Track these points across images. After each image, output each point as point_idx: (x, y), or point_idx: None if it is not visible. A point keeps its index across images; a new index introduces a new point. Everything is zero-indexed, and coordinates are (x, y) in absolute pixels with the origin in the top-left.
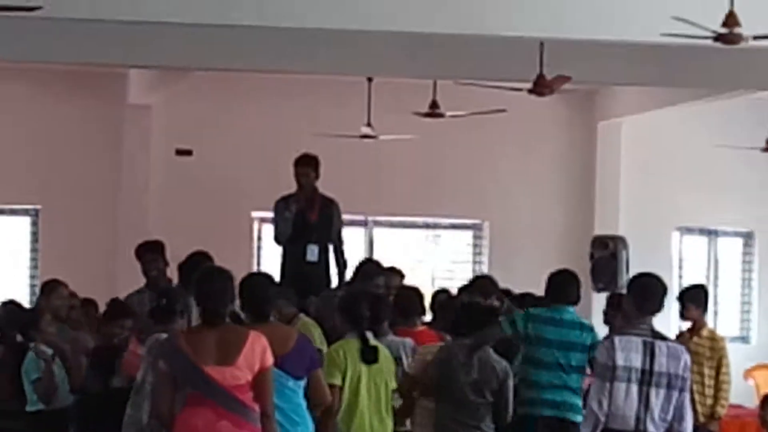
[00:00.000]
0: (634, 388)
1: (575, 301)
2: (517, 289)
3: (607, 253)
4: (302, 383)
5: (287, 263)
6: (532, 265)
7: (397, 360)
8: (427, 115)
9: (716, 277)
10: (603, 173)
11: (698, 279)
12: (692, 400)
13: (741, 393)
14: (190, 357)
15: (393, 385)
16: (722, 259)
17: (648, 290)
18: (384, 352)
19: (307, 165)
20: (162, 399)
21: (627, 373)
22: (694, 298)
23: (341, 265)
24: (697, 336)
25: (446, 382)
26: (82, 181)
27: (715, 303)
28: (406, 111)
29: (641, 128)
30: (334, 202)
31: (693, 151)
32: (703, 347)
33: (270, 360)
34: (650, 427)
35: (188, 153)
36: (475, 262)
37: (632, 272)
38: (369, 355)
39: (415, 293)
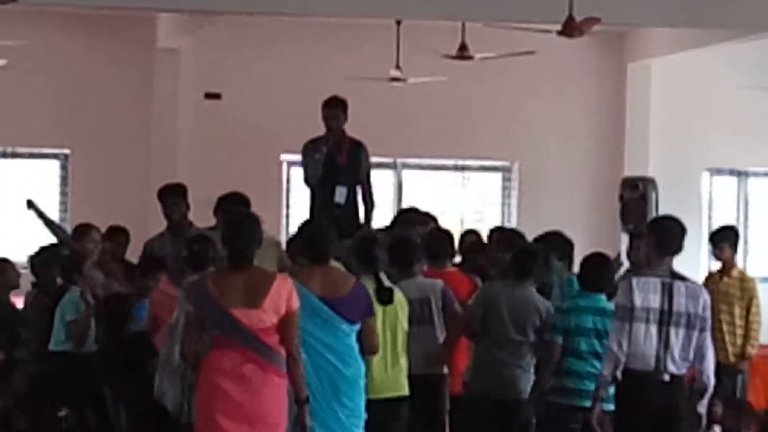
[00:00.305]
0: (653, 328)
1: (611, 291)
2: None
3: (636, 194)
4: (356, 327)
5: (316, 205)
6: (561, 207)
7: (426, 301)
8: (456, 57)
9: (746, 218)
10: (632, 115)
11: (728, 220)
12: (722, 340)
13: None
14: (217, 299)
15: (406, 326)
16: (752, 199)
17: (667, 232)
18: (398, 294)
19: (335, 107)
20: (190, 340)
21: (645, 313)
22: (727, 238)
23: (369, 207)
24: (727, 276)
25: (489, 320)
26: (111, 126)
27: (746, 243)
28: (435, 53)
29: (671, 70)
30: (362, 145)
31: (723, 93)
32: (734, 287)
33: (296, 304)
34: (671, 366)
35: (217, 96)
36: (504, 204)
37: (662, 214)
38: (384, 296)
39: (445, 235)
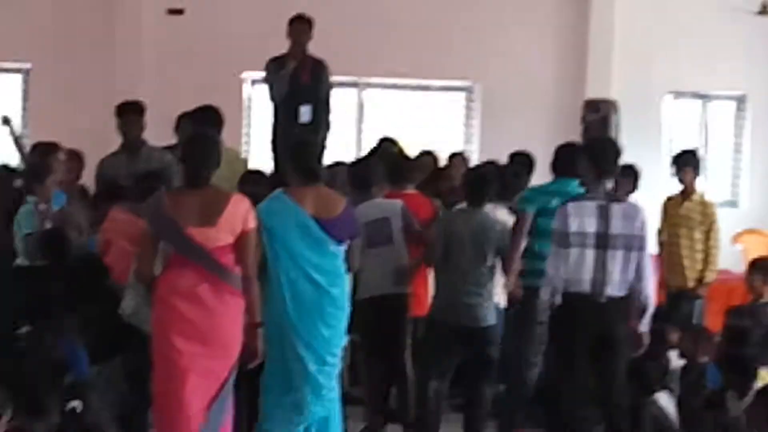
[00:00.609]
0: (590, 252)
1: (579, 175)
2: (509, 149)
3: (598, 116)
4: (343, 248)
5: (278, 124)
6: (524, 128)
7: (385, 221)
8: None
9: (707, 142)
10: (595, 36)
11: (690, 143)
12: (681, 265)
13: (729, 258)
14: (172, 218)
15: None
16: (713, 123)
17: (603, 154)
18: None
19: (303, 23)
20: (144, 258)
21: (581, 238)
22: (690, 162)
23: (324, 127)
24: (688, 200)
25: (449, 249)
26: (74, 40)
27: (706, 168)
28: None
29: None
30: (324, 64)
31: (686, 15)
32: (695, 212)
33: (253, 223)
34: (608, 289)
35: (180, 12)
36: (466, 126)
37: (623, 137)
38: None
39: (406, 158)
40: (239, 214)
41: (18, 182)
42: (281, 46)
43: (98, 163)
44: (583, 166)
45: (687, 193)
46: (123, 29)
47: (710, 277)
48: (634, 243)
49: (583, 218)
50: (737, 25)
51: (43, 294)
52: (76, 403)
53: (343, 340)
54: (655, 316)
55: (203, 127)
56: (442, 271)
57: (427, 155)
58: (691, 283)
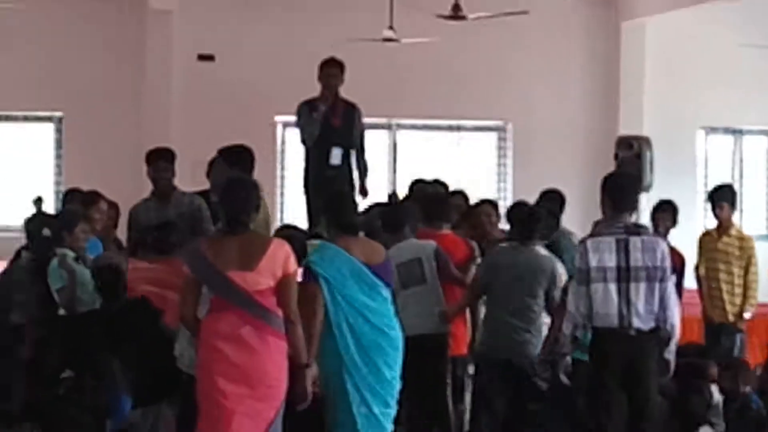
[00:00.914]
0: (612, 286)
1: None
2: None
3: (631, 153)
4: (390, 292)
5: (310, 167)
6: (556, 167)
7: (417, 261)
8: (449, 17)
9: (741, 176)
10: (627, 73)
11: (724, 178)
12: (721, 299)
13: (767, 291)
14: (212, 262)
15: None
16: (747, 158)
17: (622, 188)
18: None
19: (334, 66)
20: (186, 303)
21: (602, 273)
22: (725, 197)
23: (362, 169)
24: (726, 235)
25: (495, 284)
26: (104, 88)
27: (741, 202)
28: (429, 13)
29: (665, 28)
30: (356, 107)
31: (717, 50)
32: (733, 246)
33: (293, 267)
34: (635, 321)
35: (211, 58)
36: (499, 164)
37: (657, 173)
38: None
39: (442, 197)
40: (280, 257)
41: (46, 231)
42: (313, 89)
43: (130, 210)
44: (604, 201)
45: (724, 227)
46: (153, 76)
47: (750, 310)
48: (656, 274)
49: (602, 254)
50: (767, 60)
51: (85, 341)
52: None
53: (399, 383)
54: (697, 351)
55: (235, 165)
56: (490, 308)
57: (458, 195)
58: (731, 318)
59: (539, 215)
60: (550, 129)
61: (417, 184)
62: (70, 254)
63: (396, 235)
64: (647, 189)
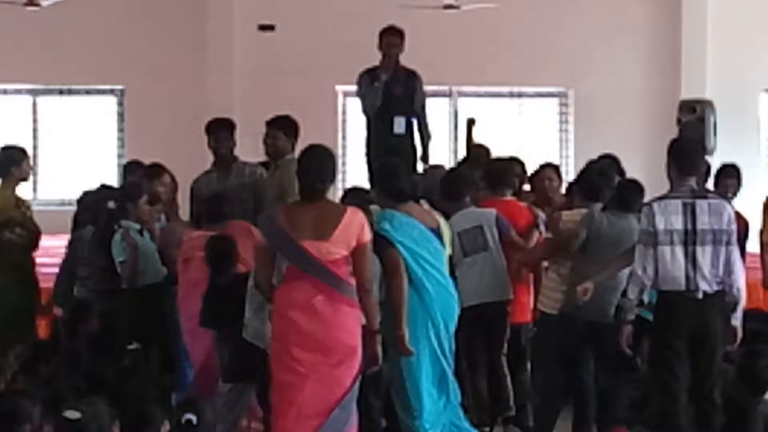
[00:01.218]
0: (679, 249)
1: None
2: None
3: (694, 117)
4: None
5: (373, 136)
6: (618, 132)
7: (479, 229)
8: None
9: None
10: (689, 36)
11: None
12: None
13: None
14: (287, 231)
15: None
16: None
17: (686, 152)
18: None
19: (395, 35)
20: (261, 271)
21: (669, 236)
22: None
23: (425, 137)
24: None
25: (592, 244)
26: (166, 60)
27: None
28: None
29: None
30: (417, 75)
31: None
32: None
33: (367, 236)
34: (702, 284)
35: (271, 28)
36: (561, 131)
37: (719, 136)
38: None
39: (506, 164)
40: (354, 227)
41: (111, 204)
42: (373, 58)
43: (192, 183)
44: (670, 164)
45: None
46: (214, 47)
47: None
48: (722, 238)
49: (669, 216)
50: None
51: (149, 313)
52: (190, 416)
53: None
54: (763, 316)
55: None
56: (581, 265)
57: (516, 162)
58: None
59: (639, 186)
60: (612, 94)
61: (476, 149)
62: (135, 226)
63: (456, 203)
64: (710, 153)
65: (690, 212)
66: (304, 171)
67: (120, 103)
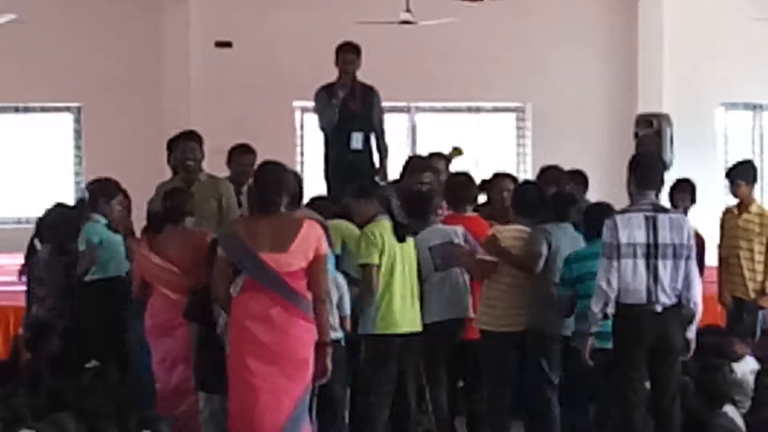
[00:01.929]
0: (641, 262)
1: None
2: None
3: (651, 131)
4: None
5: (331, 152)
6: (576, 146)
7: (450, 244)
8: None
9: (762, 152)
10: (645, 51)
11: (743, 154)
12: (742, 276)
13: None
14: (246, 243)
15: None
16: (767, 132)
17: (647, 167)
18: (411, 240)
19: (351, 51)
20: (219, 283)
21: (632, 249)
22: (744, 174)
23: (383, 152)
24: (746, 212)
25: (551, 260)
26: (122, 77)
27: (761, 178)
28: None
29: (683, 4)
30: (374, 90)
31: (735, 26)
32: (753, 223)
33: (325, 248)
34: (662, 297)
35: (228, 45)
36: (519, 145)
37: (677, 150)
38: (402, 232)
39: (464, 179)
40: (312, 239)
41: (84, 194)
42: (331, 74)
43: (157, 186)
44: (631, 178)
45: (744, 205)
46: (171, 64)
47: None
48: (682, 252)
49: (632, 229)
50: None
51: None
52: None
53: None
54: (718, 331)
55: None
56: (541, 282)
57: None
58: (752, 294)
59: (576, 196)
60: (569, 109)
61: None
62: (102, 220)
63: (423, 221)
64: (667, 167)
65: (652, 226)
66: (259, 185)
67: (77, 121)
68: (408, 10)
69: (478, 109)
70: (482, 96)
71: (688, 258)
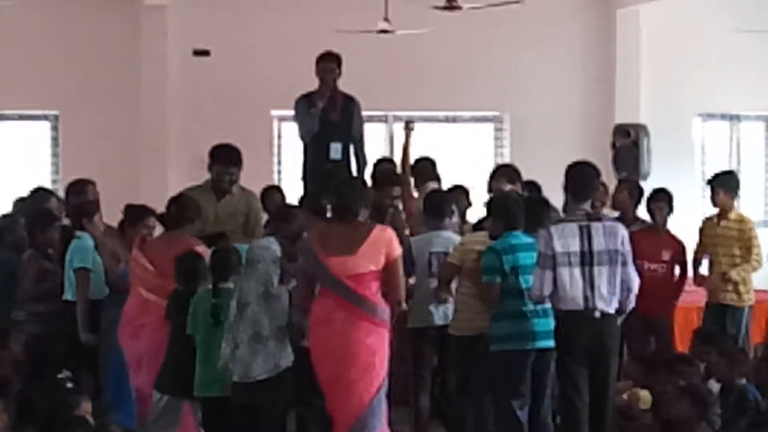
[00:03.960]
0: (577, 270)
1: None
2: (540, 179)
3: (629, 141)
4: None
5: (309, 161)
6: (553, 156)
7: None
8: (444, 8)
9: (739, 162)
10: (622, 61)
11: (721, 164)
12: (723, 281)
13: (766, 277)
14: (316, 251)
15: None
16: (744, 143)
17: (579, 178)
18: None
19: (332, 61)
20: (298, 290)
21: (567, 257)
22: (723, 183)
23: (361, 163)
24: (725, 220)
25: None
26: (100, 85)
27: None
28: (424, 4)
29: (660, 14)
30: (354, 100)
31: (712, 36)
32: (731, 230)
33: (397, 251)
34: (599, 304)
35: (206, 53)
36: (496, 155)
37: (654, 160)
38: None
39: (445, 195)
40: (382, 243)
41: (66, 220)
42: (309, 82)
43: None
44: (566, 189)
45: (723, 212)
46: (149, 73)
47: (734, 275)
48: (617, 258)
49: (566, 239)
50: (764, 45)
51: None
52: None
53: None
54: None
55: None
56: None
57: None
58: (734, 297)
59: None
60: (547, 118)
61: (423, 162)
62: (91, 244)
63: (439, 221)
64: (645, 177)
65: (586, 235)
66: (337, 194)
67: (54, 128)
68: (386, 19)
69: (455, 119)
70: (460, 105)
71: (624, 264)
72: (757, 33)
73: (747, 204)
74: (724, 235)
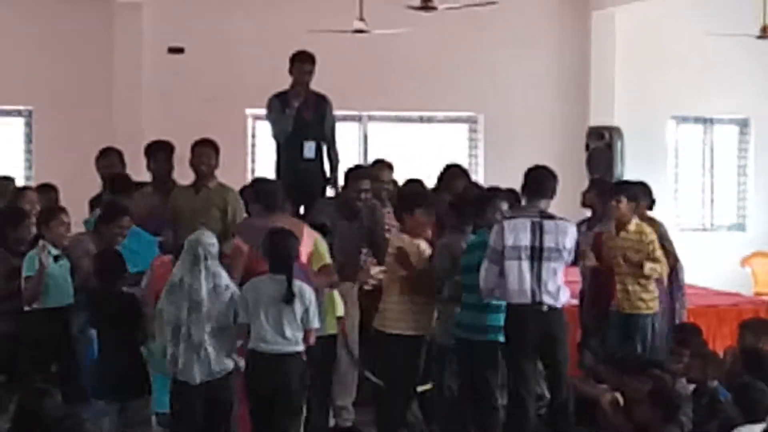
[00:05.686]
0: (526, 264)
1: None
2: (514, 180)
3: (602, 143)
4: None
5: (282, 160)
6: (527, 157)
7: None
8: (419, 8)
9: (712, 166)
10: (597, 63)
11: (694, 167)
12: (626, 291)
13: (738, 281)
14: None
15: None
16: (718, 146)
17: (535, 179)
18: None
19: (306, 61)
20: None
21: (517, 251)
22: (623, 191)
23: (334, 161)
24: (623, 231)
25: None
26: (74, 81)
27: (712, 191)
28: (399, 4)
29: (635, 17)
30: (327, 99)
31: (687, 40)
32: (630, 241)
33: None
34: (546, 298)
35: (180, 51)
36: (471, 156)
37: (628, 162)
38: None
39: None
40: None
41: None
42: (284, 81)
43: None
44: (523, 188)
45: (622, 223)
46: (123, 70)
47: (647, 269)
48: (563, 256)
49: (518, 233)
50: (738, 49)
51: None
52: None
53: None
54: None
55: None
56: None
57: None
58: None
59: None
60: (521, 120)
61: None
62: (53, 251)
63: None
64: (618, 179)
65: (538, 230)
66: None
67: (27, 125)
68: (361, 19)
69: (430, 119)
70: (435, 105)
71: (574, 262)
72: (731, 37)
73: (719, 207)
74: (622, 246)
